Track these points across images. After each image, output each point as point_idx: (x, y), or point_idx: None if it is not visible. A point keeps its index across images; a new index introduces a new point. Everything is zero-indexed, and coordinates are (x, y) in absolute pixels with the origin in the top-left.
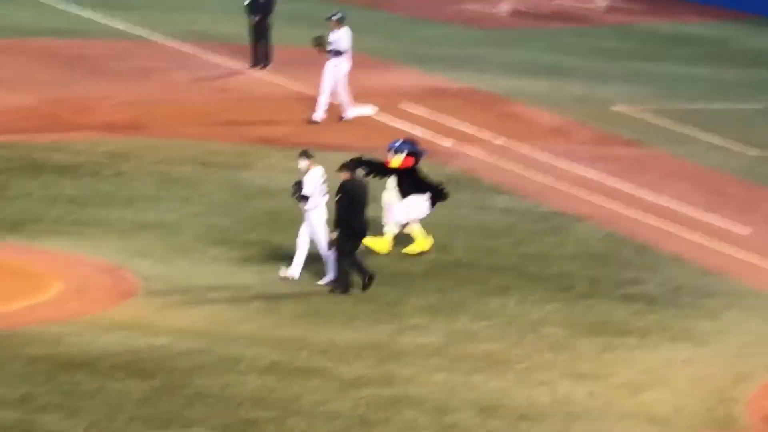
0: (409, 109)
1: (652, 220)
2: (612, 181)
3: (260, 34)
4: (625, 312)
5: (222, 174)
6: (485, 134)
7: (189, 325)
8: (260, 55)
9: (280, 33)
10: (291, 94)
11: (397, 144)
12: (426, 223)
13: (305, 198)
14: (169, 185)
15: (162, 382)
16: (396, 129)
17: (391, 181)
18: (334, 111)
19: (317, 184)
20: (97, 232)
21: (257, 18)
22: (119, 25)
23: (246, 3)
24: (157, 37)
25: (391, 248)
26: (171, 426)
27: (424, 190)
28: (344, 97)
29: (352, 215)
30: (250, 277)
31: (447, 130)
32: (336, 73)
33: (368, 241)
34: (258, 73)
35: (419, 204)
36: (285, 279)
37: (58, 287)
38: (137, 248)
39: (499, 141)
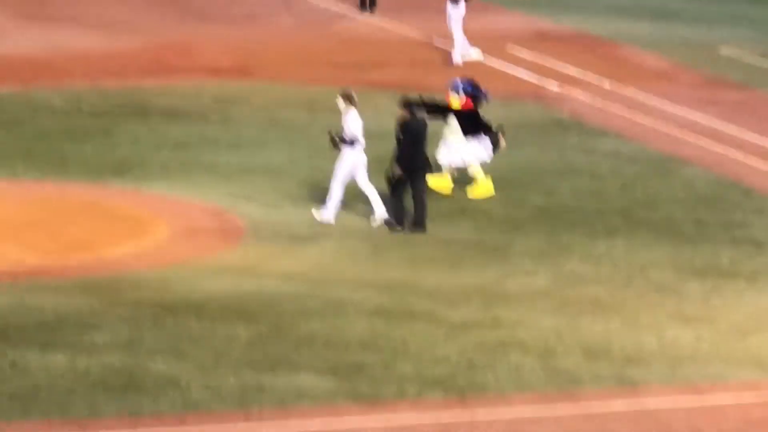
0: (515, 53)
1: (759, 164)
2: (719, 125)
3: None
4: (733, 255)
5: (328, 118)
6: (591, 77)
7: (295, 269)
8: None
9: None
10: (398, 38)
11: (458, 84)
12: (532, 166)
13: (351, 143)
14: (275, 129)
15: (269, 326)
16: (502, 72)
17: (452, 121)
18: (442, 54)
19: (359, 125)
20: (204, 177)
21: None
22: None
23: None
24: None
25: (451, 188)
26: (278, 370)
27: (484, 133)
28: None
29: (413, 152)
30: (356, 220)
31: (553, 74)
32: (455, 14)
33: (430, 181)
34: (365, 17)
35: (478, 147)
36: (380, 223)
37: (164, 231)
38: (244, 192)
39: (605, 84)
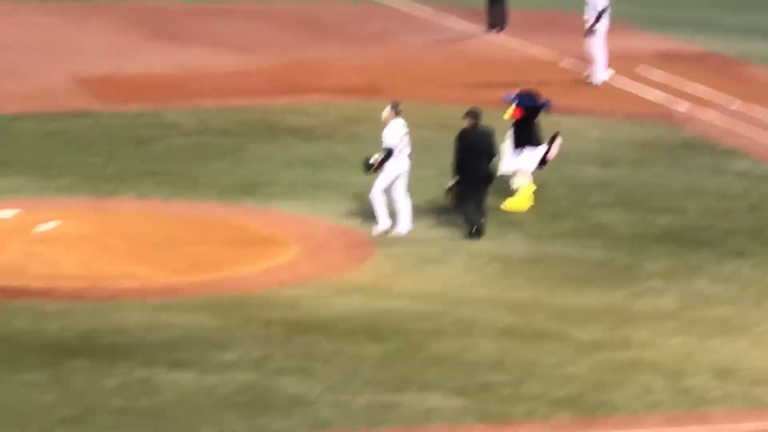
0: (646, 74)
1: None
2: None
3: None
4: None
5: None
6: (720, 98)
7: (425, 288)
8: (496, 19)
9: None
10: (526, 58)
11: (509, 95)
12: (660, 186)
13: (390, 153)
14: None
15: (398, 345)
16: (632, 93)
17: (509, 132)
18: (570, 74)
19: (401, 135)
20: (332, 195)
21: None
22: None
23: None
24: (392, 1)
25: (529, 202)
26: (407, 389)
27: (536, 144)
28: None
29: (468, 162)
30: (485, 240)
31: (682, 94)
32: (600, 30)
33: (508, 205)
34: (493, 37)
35: (527, 157)
36: (383, 235)
37: (293, 250)
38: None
39: (735, 105)
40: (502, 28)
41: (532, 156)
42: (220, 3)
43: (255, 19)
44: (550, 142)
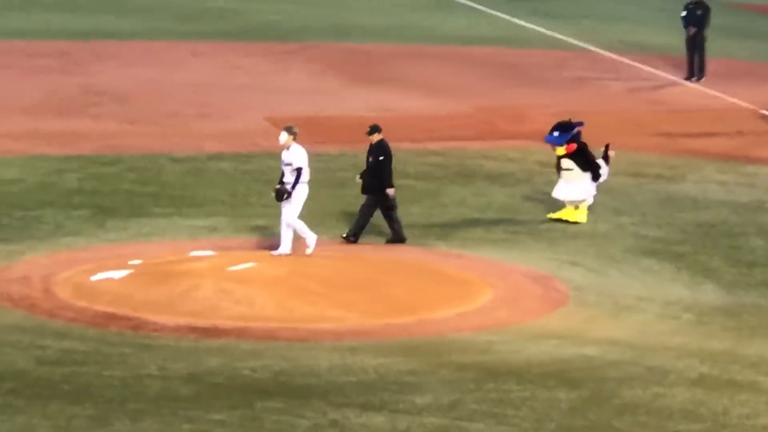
0: None
1: None
2: None
3: (695, 46)
4: None
5: (654, 185)
6: None
7: (618, 336)
8: (695, 67)
9: (714, 45)
10: (725, 107)
11: (551, 137)
12: None
13: (299, 175)
14: (602, 195)
15: (590, 392)
16: None
17: (567, 163)
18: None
19: (306, 158)
20: (528, 240)
21: (693, 30)
22: (554, 35)
23: (682, 15)
24: (592, 47)
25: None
26: None
27: (593, 164)
28: None
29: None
30: (680, 289)
31: None
32: None
33: (566, 215)
34: (692, 85)
35: (585, 187)
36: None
37: (488, 295)
38: (568, 257)
39: None
40: (700, 78)
41: (588, 188)
42: (418, 45)
43: (452, 63)
44: (605, 156)
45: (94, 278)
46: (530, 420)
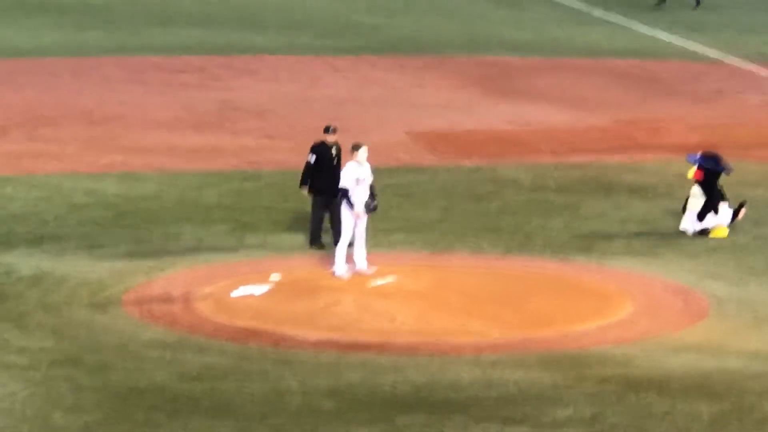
0: None
1: None
2: None
3: None
4: None
5: None
6: None
7: (760, 348)
8: None
9: None
10: None
11: (694, 156)
12: None
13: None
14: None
15: (731, 405)
16: None
17: (695, 189)
18: None
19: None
20: (668, 253)
21: None
22: (693, 46)
23: None
24: (731, 59)
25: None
26: None
27: (715, 206)
28: None
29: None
30: None
31: None
32: None
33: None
34: None
35: (718, 216)
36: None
37: (629, 307)
38: (709, 270)
39: None
40: None
41: (722, 213)
42: (555, 58)
43: (590, 75)
44: (737, 210)
45: (234, 294)
46: None
